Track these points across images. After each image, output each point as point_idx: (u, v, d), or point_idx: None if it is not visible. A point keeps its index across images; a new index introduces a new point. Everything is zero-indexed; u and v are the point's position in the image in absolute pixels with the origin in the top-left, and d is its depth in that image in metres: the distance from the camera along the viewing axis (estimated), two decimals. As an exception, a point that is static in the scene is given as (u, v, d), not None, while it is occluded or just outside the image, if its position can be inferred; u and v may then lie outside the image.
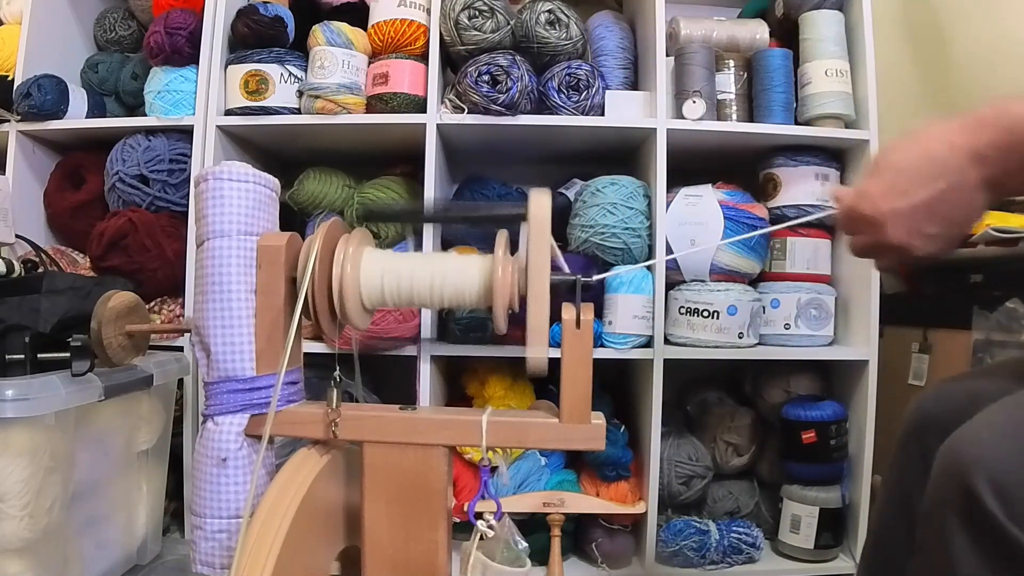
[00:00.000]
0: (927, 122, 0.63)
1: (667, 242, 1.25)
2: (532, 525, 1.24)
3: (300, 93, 1.28)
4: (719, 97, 1.32)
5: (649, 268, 1.26)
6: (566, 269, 0.65)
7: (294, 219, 1.37)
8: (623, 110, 1.29)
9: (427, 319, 1.25)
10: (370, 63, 1.30)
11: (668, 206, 1.26)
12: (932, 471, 0.59)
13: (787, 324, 1.30)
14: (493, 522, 0.66)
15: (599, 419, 0.64)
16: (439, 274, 0.65)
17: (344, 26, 1.27)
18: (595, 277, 0.67)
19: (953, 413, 0.76)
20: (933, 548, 0.57)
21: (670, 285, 1.28)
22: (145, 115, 1.34)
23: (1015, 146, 0.58)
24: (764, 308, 1.30)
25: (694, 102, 1.26)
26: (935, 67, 1.55)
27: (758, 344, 1.30)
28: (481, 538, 0.66)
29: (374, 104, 1.28)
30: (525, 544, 1.15)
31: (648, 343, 1.24)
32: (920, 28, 1.56)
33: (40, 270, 1.18)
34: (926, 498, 0.60)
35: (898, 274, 1.42)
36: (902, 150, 0.63)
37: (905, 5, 1.58)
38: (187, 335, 1.23)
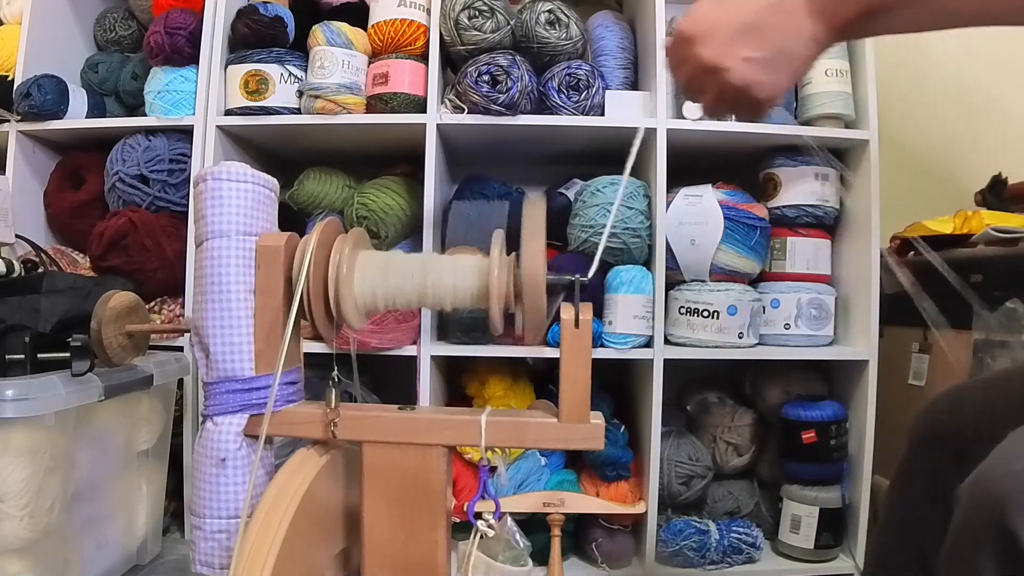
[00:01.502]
0: None
1: (667, 242, 1.25)
2: (532, 525, 1.24)
3: (300, 93, 1.28)
4: (719, 97, 1.32)
5: (648, 266, 1.26)
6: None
7: (294, 219, 1.37)
8: (623, 110, 1.29)
9: (427, 319, 1.25)
10: (370, 63, 1.30)
11: (668, 206, 1.26)
12: (959, 502, 0.55)
13: (787, 324, 1.30)
14: (493, 522, 0.66)
15: (598, 419, 0.64)
16: (435, 274, 0.65)
17: (344, 26, 1.28)
18: (590, 273, 0.67)
19: (966, 425, 0.73)
20: None
21: (670, 285, 1.28)
22: (145, 115, 1.34)
23: None
24: (764, 308, 1.30)
25: (694, 102, 1.26)
26: (935, 67, 1.55)
27: (758, 344, 1.30)
28: (481, 538, 0.66)
29: (374, 104, 1.28)
30: (527, 543, 1.15)
31: (648, 343, 1.24)
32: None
33: (40, 270, 1.18)
34: (952, 531, 0.55)
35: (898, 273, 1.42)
36: None
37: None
38: (187, 335, 1.23)
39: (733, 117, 0.63)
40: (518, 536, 1.15)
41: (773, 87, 0.58)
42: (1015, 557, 0.48)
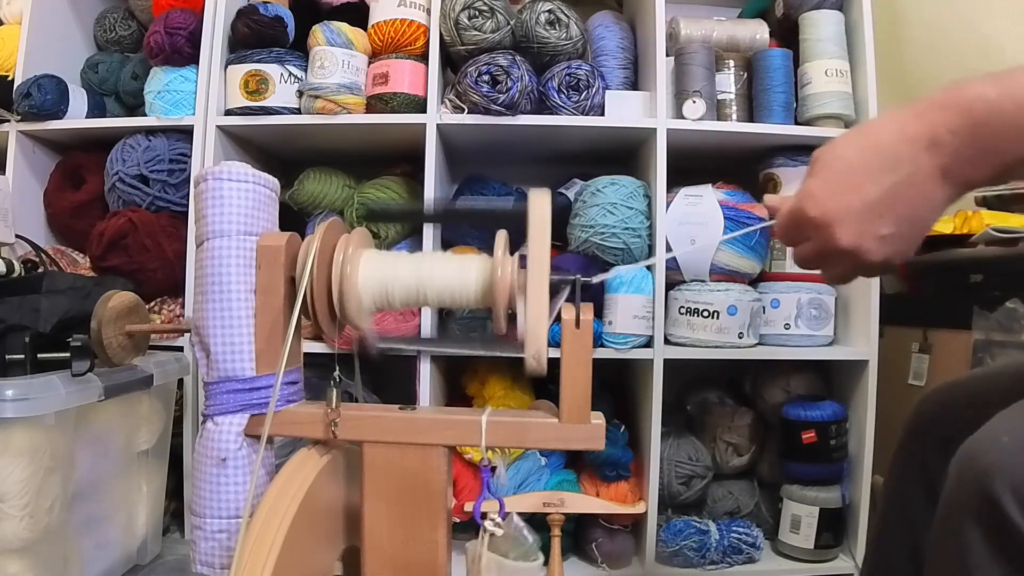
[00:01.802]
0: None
1: (667, 242, 1.25)
2: (532, 525, 1.23)
3: (300, 93, 1.28)
4: (719, 97, 1.32)
5: (649, 268, 1.26)
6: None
7: (294, 219, 1.37)
8: (623, 110, 1.29)
9: (427, 319, 1.25)
10: (370, 63, 1.30)
11: (668, 206, 1.26)
12: (948, 477, 0.56)
13: (787, 324, 1.30)
14: (499, 520, 0.66)
15: (599, 419, 0.64)
16: (438, 274, 0.65)
17: (344, 26, 1.27)
18: (595, 278, 0.67)
19: (954, 416, 0.75)
20: (950, 557, 0.54)
21: (670, 285, 1.28)
22: (145, 115, 1.34)
23: (973, 128, 0.51)
24: (764, 308, 1.30)
25: (694, 102, 1.26)
26: (935, 67, 1.55)
27: (758, 344, 1.30)
28: (491, 537, 0.66)
29: (374, 104, 1.28)
30: (535, 537, 1.15)
31: (648, 343, 1.24)
32: (919, 28, 1.56)
33: (40, 270, 1.18)
34: (940, 506, 0.57)
35: (898, 274, 1.42)
36: (848, 143, 0.57)
37: (905, 4, 1.58)
38: (187, 335, 1.23)
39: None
40: (526, 532, 1.15)
41: (907, 253, 0.58)
42: (1000, 525, 0.49)
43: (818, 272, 0.63)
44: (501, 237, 0.66)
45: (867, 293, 1.27)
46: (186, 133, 1.31)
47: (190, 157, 1.31)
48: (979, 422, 0.58)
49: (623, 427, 1.27)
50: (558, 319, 0.64)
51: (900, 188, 0.54)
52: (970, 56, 1.43)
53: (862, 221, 0.55)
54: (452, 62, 1.35)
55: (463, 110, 1.24)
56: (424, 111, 1.26)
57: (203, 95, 1.29)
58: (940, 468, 0.69)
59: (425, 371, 1.23)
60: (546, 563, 1.19)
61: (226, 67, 1.30)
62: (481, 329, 1.25)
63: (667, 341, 1.27)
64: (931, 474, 0.75)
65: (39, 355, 0.90)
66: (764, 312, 1.30)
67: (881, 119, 0.56)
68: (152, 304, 1.32)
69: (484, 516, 0.66)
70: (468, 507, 1.21)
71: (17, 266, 1.07)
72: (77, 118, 1.36)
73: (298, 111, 1.29)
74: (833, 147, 0.57)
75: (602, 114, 1.29)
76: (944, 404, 0.79)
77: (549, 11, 1.26)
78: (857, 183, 0.55)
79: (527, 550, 1.12)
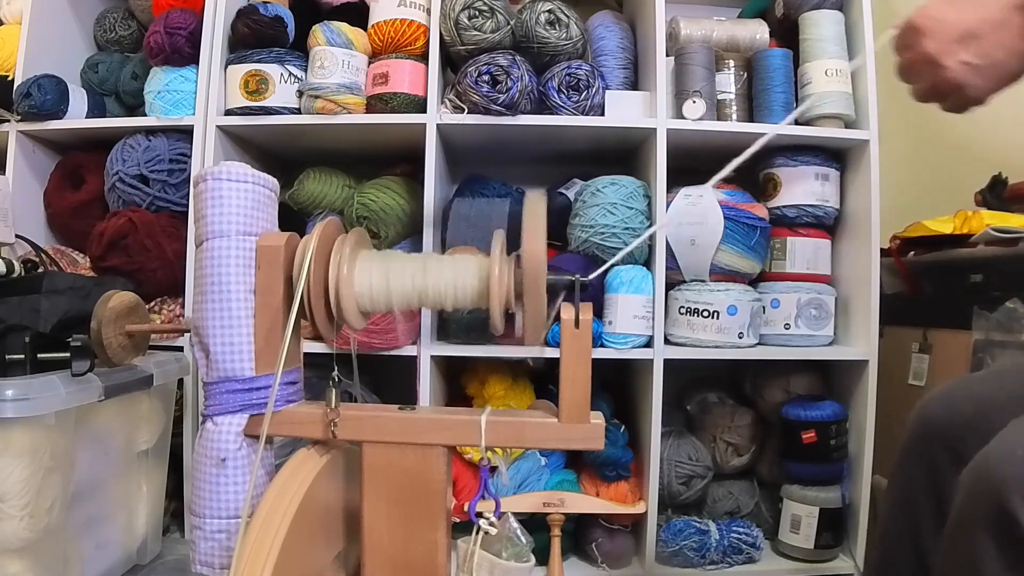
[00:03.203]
0: None
1: (667, 242, 1.25)
2: (532, 525, 1.24)
3: (300, 93, 1.28)
4: (719, 97, 1.32)
5: (648, 266, 1.26)
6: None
7: (294, 219, 1.37)
8: (623, 110, 1.29)
9: (427, 319, 1.25)
10: (370, 63, 1.30)
11: (668, 206, 1.26)
12: (960, 488, 0.57)
13: (787, 324, 1.30)
14: (494, 520, 0.66)
15: (598, 419, 0.64)
16: (436, 274, 0.65)
17: (344, 26, 1.27)
18: (592, 275, 0.67)
19: (961, 420, 0.75)
20: (960, 568, 0.55)
21: (670, 285, 1.28)
22: (145, 115, 1.34)
23: None
24: (764, 308, 1.30)
25: (694, 102, 1.26)
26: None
27: (758, 344, 1.30)
28: (484, 535, 0.66)
29: (374, 104, 1.28)
30: (529, 539, 1.15)
31: (648, 343, 1.24)
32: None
33: (40, 270, 1.18)
34: (952, 516, 0.57)
35: (898, 274, 1.42)
36: None
37: (905, 5, 1.58)
38: (187, 335, 1.23)
39: (939, 107, 0.75)
40: (519, 533, 1.16)
41: (983, 91, 0.67)
42: (1015, 538, 0.50)
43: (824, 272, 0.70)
44: (498, 237, 0.66)
45: (867, 293, 1.27)
46: (186, 133, 1.31)
47: (190, 157, 1.31)
48: (987, 427, 0.58)
49: (623, 427, 1.27)
50: (558, 319, 0.64)
51: (992, 27, 0.64)
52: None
53: (951, 39, 0.65)
54: (452, 62, 1.35)
55: (463, 110, 1.24)
56: (424, 111, 1.26)
57: (203, 95, 1.29)
58: (949, 473, 0.69)
59: (425, 371, 1.23)
60: (546, 563, 1.20)
61: (226, 67, 1.30)
62: (482, 329, 1.25)
63: (667, 341, 1.26)
64: (939, 480, 0.75)
65: (39, 355, 0.90)
66: (764, 312, 1.30)
67: None
68: (152, 304, 1.32)
69: (480, 515, 0.66)
70: (468, 507, 1.21)
71: (17, 266, 1.07)
72: (77, 118, 1.36)
73: (298, 111, 1.29)
74: None
75: (602, 114, 1.29)
76: (950, 408, 0.78)
77: (549, 11, 1.26)
78: (958, 11, 0.66)
79: (520, 551, 1.12)
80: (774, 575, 1.27)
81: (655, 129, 1.25)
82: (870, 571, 0.87)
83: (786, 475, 1.31)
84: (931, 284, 1.38)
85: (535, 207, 0.63)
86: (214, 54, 1.29)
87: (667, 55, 1.31)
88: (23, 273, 1.08)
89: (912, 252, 1.39)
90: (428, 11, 1.29)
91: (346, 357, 0.77)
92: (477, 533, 0.67)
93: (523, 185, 1.50)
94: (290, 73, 1.28)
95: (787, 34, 1.39)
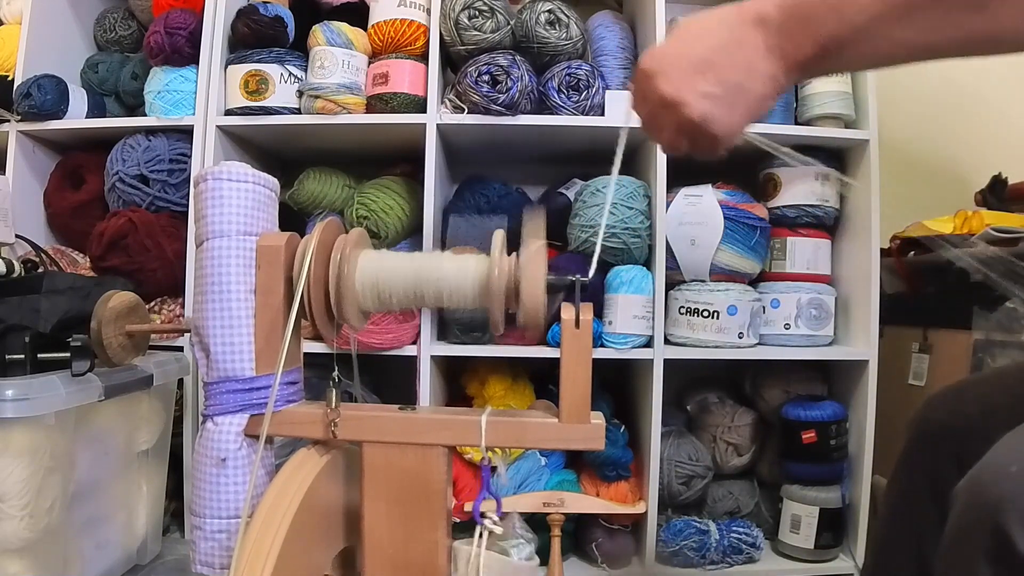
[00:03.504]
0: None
1: (667, 242, 1.25)
2: (532, 525, 1.23)
3: (300, 93, 1.28)
4: (719, 97, 1.32)
5: (648, 267, 1.25)
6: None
7: (294, 219, 1.37)
8: (623, 110, 1.29)
9: (427, 319, 1.25)
10: (370, 63, 1.30)
11: (668, 206, 1.26)
12: (955, 504, 0.55)
13: (787, 324, 1.30)
14: (497, 519, 0.66)
15: (599, 419, 0.64)
16: (436, 274, 0.65)
17: (344, 26, 1.27)
18: (590, 273, 0.67)
19: (964, 423, 0.74)
20: None
21: (670, 285, 1.28)
22: (145, 115, 1.34)
23: (794, 5, 0.54)
24: (764, 308, 1.30)
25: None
26: (935, 67, 1.55)
27: (758, 344, 1.30)
28: (489, 535, 0.66)
29: (374, 104, 1.28)
30: (533, 537, 1.15)
31: (648, 343, 1.24)
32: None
33: (40, 270, 1.18)
34: (948, 533, 0.55)
35: (898, 273, 1.42)
36: (695, 18, 0.60)
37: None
38: (187, 335, 1.23)
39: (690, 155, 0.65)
40: (522, 532, 1.16)
41: (730, 123, 0.59)
42: (1011, 561, 0.48)
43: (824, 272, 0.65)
44: (498, 237, 0.66)
45: (867, 293, 1.27)
46: (186, 133, 1.31)
47: (190, 157, 1.31)
48: (992, 430, 0.56)
49: (623, 427, 1.27)
50: (558, 319, 0.64)
51: (725, 52, 0.57)
52: (996, 57, 1.43)
53: (685, 73, 0.58)
54: (452, 62, 1.35)
55: (463, 110, 1.24)
56: (424, 111, 1.26)
57: (203, 95, 1.29)
58: (952, 477, 0.68)
59: (425, 371, 1.23)
60: (546, 563, 1.20)
61: (226, 67, 1.30)
62: (482, 329, 1.25)
63: (667, 341, 1.26)
64: (941, 484, 0.74)
65: (39, 355, 0.90)
66: (764, 312, 1.30)
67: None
68: (152, 304, 1.32)
69: (483, 515, 0.66)
70: (468, 507, 1.21)
71: (17, 266, 1.07)
72: (77, 118, 1.36)
73: (298, 111, 1.29)
74: (686, 21, 0.61)
75: (602, 114, 1.29)
76: (952, 411, 0.77)
77: (549, 11, 1.26)
78: (688, 43, 0.59)
79: (526, 549, 1.12)
80: (774, 575, 1.27)
81: (655, 129, 1.25)
82: (867, 572, 0.86)
83: (786, 475, 1.31)
84: (931, 284, 1.38)
85: (534, 216, 0.63)
86: (214, 54, 1.29)
87: (667, 55, 1.31)
88: (23, 273, 1.08)
89: (912, 252, 1.39)
90: (428, 11, 1.29)
91: (346, 357, 0.77)
92: (481, 533, 0.67)
93: (523, 185, 1.50)
94: (290, 73, 1.28)
95: (787, 34, 1.39)
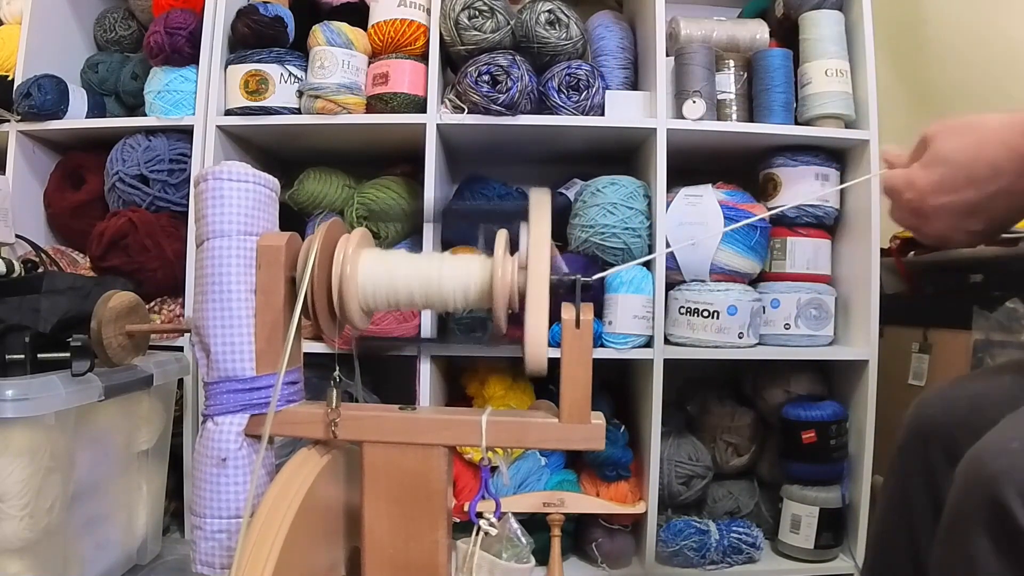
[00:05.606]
0: (982, 114, 0.61)
1: (667, 242, 1.25)
2: (532, 525, 1.24)
3: (300, 93, 1.28)
4: (719, 97, 1.32)
5: (648, 266, 1.26)
6: (565, 269, 0.65)
7: (294, 219, 1.37)
8: (623, 110, 1.29)
9: (427, 319, 1.25)
10: (370, 63, 1.30)
11: (668, 206, 1.26)
12: (955, 483, 0.56)
13: (787, 324, 1.30)
14: (494, 520, 0.66)
15: (599, 419, 0.64)
16: (439, 274, 0.65)
17: (344, 26, 1.27)
18: (595, 276, 0.67)
19: (957, 419, 0.75)
20: (957, 564, 0.54)
21: (670, 285, 1.28)
22: (145, 115, 1.34)
23: None
24: (764, 308, 1.30)
25: (694, 102, 1.26)
26: (934, 67, 1.55)
27: (758, 344, 1.30)
28: (484, 536, 0.66)
29: (374, 104, 1.28)
30: (529, 540, 1.16)
31: (648, 343, 1.24)
32: (919, 27, 1.56)
33: (40, 270, 1.18)
34: (946, 512, 0.56)
35: (898, 273, 1.42)
36: (956, 142, 0.61)
37: (905, 5, 1.58)
38: (187, 335, 1.23)
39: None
40: (520, 534, 1.16)
41: (990, 239, 0.66)
42: (1010, 532, 0.49)
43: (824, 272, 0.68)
44: (502, 237, 0.65)
45: (867, 293, 1.27)
46: (186, 133, 1.31)
47: (190, 157, 1.31)
48: (982, 424, 0.57)
49: (623, 427, 1.27)
50: (558, 319, 0.64)
51: (999, 196, 0.59)
52: (996, 57, 1.43)
53: (956, 218, 0.61)
54: (452, 62, 1.35)
55: (463, 110, 1.24)
56: (424, 111, 1.26)
57: (203, 95, 1.29)
58: (945, 472, 0.68)
59: (425, 371, 1.23)
60: (546, 563, 1.20)
61: (226, 67, 1.30)
62: (482, 329, 1.25)
63: (667, 341, 1.27)
64: (935, 478, 0.75)
65: (39, 355, 0.90)
66: (764, 312, 1.30)
67: (989, 124, 0.60)
68: (152, 304, 1.32)
69: (480, 516, 0.66)
70: (468, 507, 1.21)
71: (17, 266, 1.07)
72: (77, 118, 1.36)
73: (298, 111, 1.29)
74: (946, 140, 0.62)
75: (602, 114, 1.29)
76: (946, 407, 0.78)
77: (549, 11, 1.26)
78: (959, 187, 0.60)
79: (520, 552, 1.12)
80: (774, 575, 1.27)
81: (655, 129, 1.25)
82: (867, 572, 0.87)
83: (786, 475, 1.31)
84: (931, 284, 1.38)
85: (540, 205, 0.63)
86: (214, 54, 1.29)
87: (667, 55, 1.31)
88: (23, 273, 1.08)
89: (912, 252, 1.39)
90: (428, 11, 1.29)
91: (347, 357, 0.77)
92: (477, 534, 0.67)
93: (523, 185, 1.50)
94: (290, 73, 1.28)
95: (787, 34, 1.39)
